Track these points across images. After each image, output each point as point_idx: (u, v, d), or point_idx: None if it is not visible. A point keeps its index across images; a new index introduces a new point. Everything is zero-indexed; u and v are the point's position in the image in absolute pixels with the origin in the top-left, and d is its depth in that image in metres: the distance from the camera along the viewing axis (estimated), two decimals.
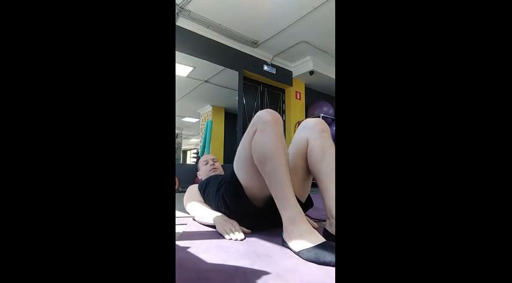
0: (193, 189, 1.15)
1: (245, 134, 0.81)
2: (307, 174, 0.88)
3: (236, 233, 0.80)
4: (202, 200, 1.08)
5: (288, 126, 4.06)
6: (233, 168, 0.87)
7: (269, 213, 0.83)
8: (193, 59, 3.03)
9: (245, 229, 0.85)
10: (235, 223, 0.86)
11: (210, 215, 0.94)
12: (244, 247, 0.70)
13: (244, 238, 0.78)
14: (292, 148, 0.89)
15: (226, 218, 0.89)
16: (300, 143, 0.86)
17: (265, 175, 0.73)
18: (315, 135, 0.83)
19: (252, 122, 0.80)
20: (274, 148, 0.71)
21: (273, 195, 0.72)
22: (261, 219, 0.89)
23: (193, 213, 1.04)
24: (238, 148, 0.85)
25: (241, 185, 0.84)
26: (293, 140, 0.91)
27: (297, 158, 0.86)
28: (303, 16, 2.82)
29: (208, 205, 1.05)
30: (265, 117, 0.75)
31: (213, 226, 0.89)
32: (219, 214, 0.93)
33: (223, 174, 1.21)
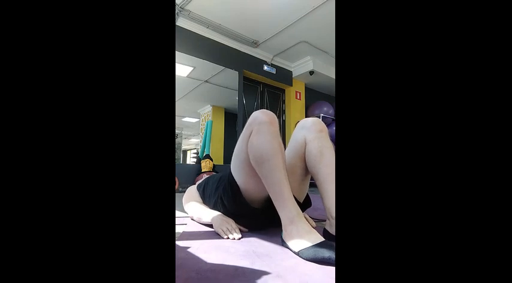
0: (192, 190, 1.15)
1: (241, 135, 0.81)
2: (305, 174, 0.88)
3: (233, 233, 0.80)
4: (201, 200, 1.08)
5: (288, 126, 4.06)
6: (230, 169, 0.87)
7: (267, 213, 0.83)
8: (193, 59, 3.02)
9: (242, 228, 0.85)
10: (231, 221, 0.86)
11: (207, 214, 0.94)
12: (244, 247, 0.70)
13: (241, 237, 0.78)
14: (289, 149, 0.88)
15: (223, 217, 0.89)
16: (298, 143, 0.86)
17: (262, 177, 0.73)
18: (313, 135, 0.82)
19: (247, 123, 0.79)
20: (271, 149, 0.71)
21: (270, 195, 0.72)
22: (258, 219, 0.89)
23: (191, 213, 1.04)
24: (235, 150, 0.85)
25: (238, 186, 0.84)
26: (291, 140, 0.90)
27: (294, 158, 0.86)
28: (303, 16, 2.82)
29: (207, 204, 1.05)
30: (260, 117, 0.75)
31: (212, 226, 0.89)
32: (216, 213, 0.93)
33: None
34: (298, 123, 0.91)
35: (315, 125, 0.84)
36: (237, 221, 0.88)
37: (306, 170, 0.86)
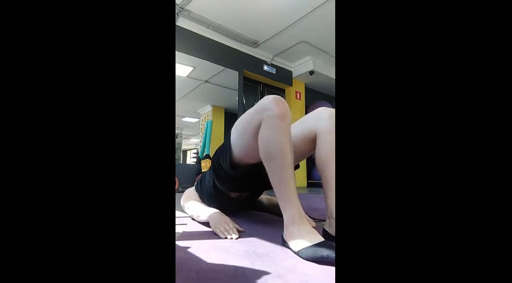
0: (190, 191, 1.16)
1: (248, 116, 0.79)
2: (300, 159, 0.91)
3: (231, 233, 0.80)
4: (200, 200, 1.09)
5: None
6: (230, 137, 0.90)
7: (252, 178, 0.91)
8: (193, 59, 3.02)
9: (239, 228, 0.86)
10: (229, 221, 0.87)
11: (205, 212, 0.95)
12: (244, 247, 0.70)
13: (239, 237, 0.79)
14: (297, 130, 0.86)
15: (221, 215, 0.90)
16: (308, 131, 0.84)
17: (268, 171, 0.73)
18: (328, 129, 0.80)
19: (257, 108, 0.75)
20: (280, 148, 0.70)
21: (275, 193, 0.72)
22: (243, 183, 0.96)
23: (190, 211, 1.05)
24: (237, 121, 0.85)
25: (231, 150, 0.87)
26: (301, 124, 0.88)
27: (300, 142, 0.85)
28: (303, 16, 2.82)
29: (204, 201, 1.07)
30: (272, 110, 0.71)
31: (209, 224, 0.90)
32: (214, 210, 0.94)
33: None
34: (313, 112, 0.87)
35: (331, 119, 0.81)
36: (227, 188, 0.96)
37: (304, 155, 0.89)
